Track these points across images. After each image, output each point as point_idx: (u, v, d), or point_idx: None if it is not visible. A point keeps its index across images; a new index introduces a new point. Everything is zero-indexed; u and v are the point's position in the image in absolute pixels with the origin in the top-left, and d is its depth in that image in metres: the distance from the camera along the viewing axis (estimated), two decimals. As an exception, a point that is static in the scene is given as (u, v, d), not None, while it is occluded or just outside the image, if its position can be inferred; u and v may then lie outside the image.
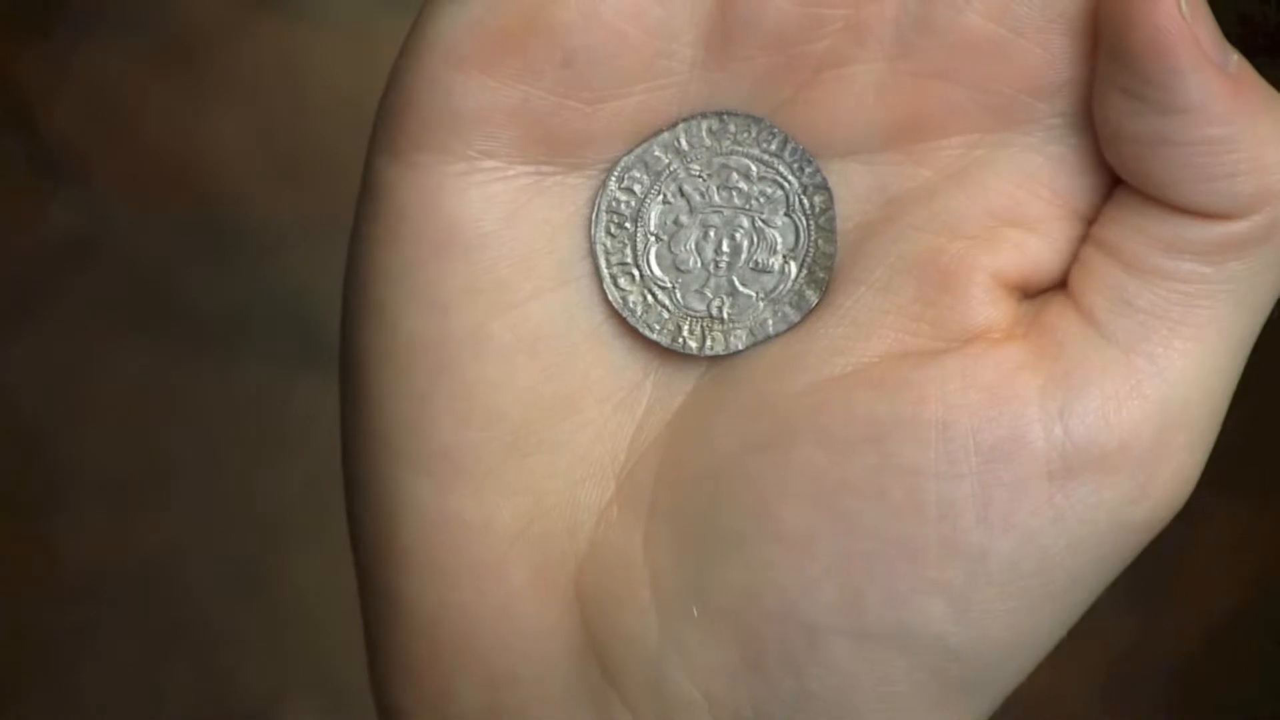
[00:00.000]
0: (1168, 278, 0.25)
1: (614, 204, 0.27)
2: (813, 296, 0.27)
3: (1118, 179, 0.26)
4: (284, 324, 0.73)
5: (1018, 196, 0.26)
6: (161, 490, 0.72)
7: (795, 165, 0.27)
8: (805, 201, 0.27)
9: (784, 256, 0.27)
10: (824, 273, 0.27)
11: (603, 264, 0.27)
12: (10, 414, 0.73)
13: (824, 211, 0.27)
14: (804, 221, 0.27)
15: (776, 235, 0.27)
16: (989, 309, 0.26)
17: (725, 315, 0.27)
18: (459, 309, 0.26)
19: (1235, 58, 0.25)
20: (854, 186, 0.27)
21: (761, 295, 0.27)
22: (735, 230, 0.27)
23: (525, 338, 0.27)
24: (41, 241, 0.74)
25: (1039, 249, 0.26)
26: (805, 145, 0.27)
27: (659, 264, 0.27)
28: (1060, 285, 0.26)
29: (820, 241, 0.27)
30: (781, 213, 0.27)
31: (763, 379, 0.27)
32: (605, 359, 0.27)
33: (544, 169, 0.26)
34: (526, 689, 0.27)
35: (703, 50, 0.26)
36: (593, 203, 0.27)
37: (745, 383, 0.27)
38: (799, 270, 0.27)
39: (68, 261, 0.74)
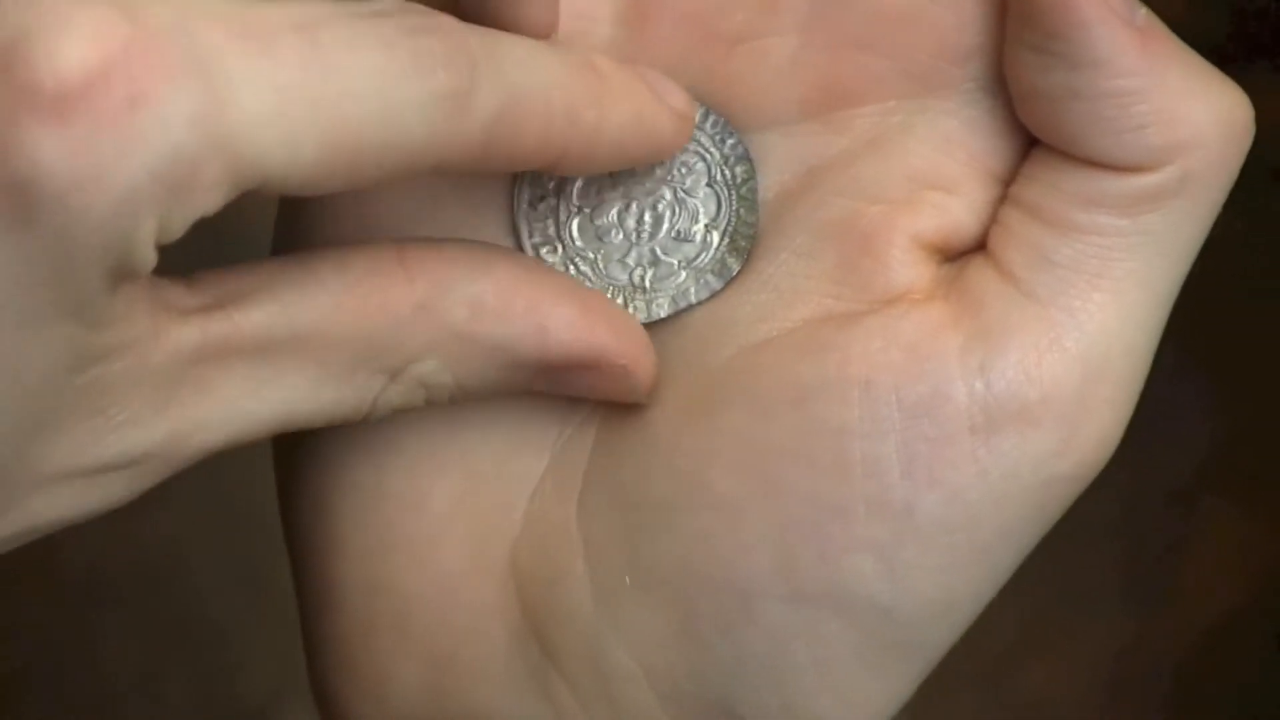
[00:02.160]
0: (1084, 231, 0.25)
1: (535, 178, 0.27)
2: (735, 264, 0.27)
3: (1034, 142, 0.26)
4: (284, 324, 0.73)
5: (935, 160, 0.26)
6: (161, 490, 0.72)
7: (716, 137, 0.27)
8: (727, 172, 0.27)
9: (706, 226, 0.27)
10: (746, 241, 0.27)
11: (525, 238, 0.27)
12: (10, 414, 0.73)
13: (745, 182, 0.27)
14: (725, 192, 0.27)
15: (698, 205, 0.27)
16: (909, 270, 0.26)
17: (647, 284, 0.27)
18: None
19: (1143, 11, 0.25)
20: (774, 157, 0.27)
21: (684, 264, 0.27)
22: (657, 201, 0.27)
23: None
24: (41, 241, 0.74)
25: (957, 211, 0.26)
26: (725, 118, 0.27)
27: (581, 235, 0.27)
28: (980, 248, 0.26)
29: (742, 211, 0.27)
30: (703, 184, 0.27)
31: (691, 349, 0.27)
32: None
33: None
34: (465, 668, 0.27)
35: (620, 28, 0.27)
36: (514, 178, 0.27)
37: (675, 354, 0.27)
38: (721, 239, 0.27)
39: (68, 261, 0.74)
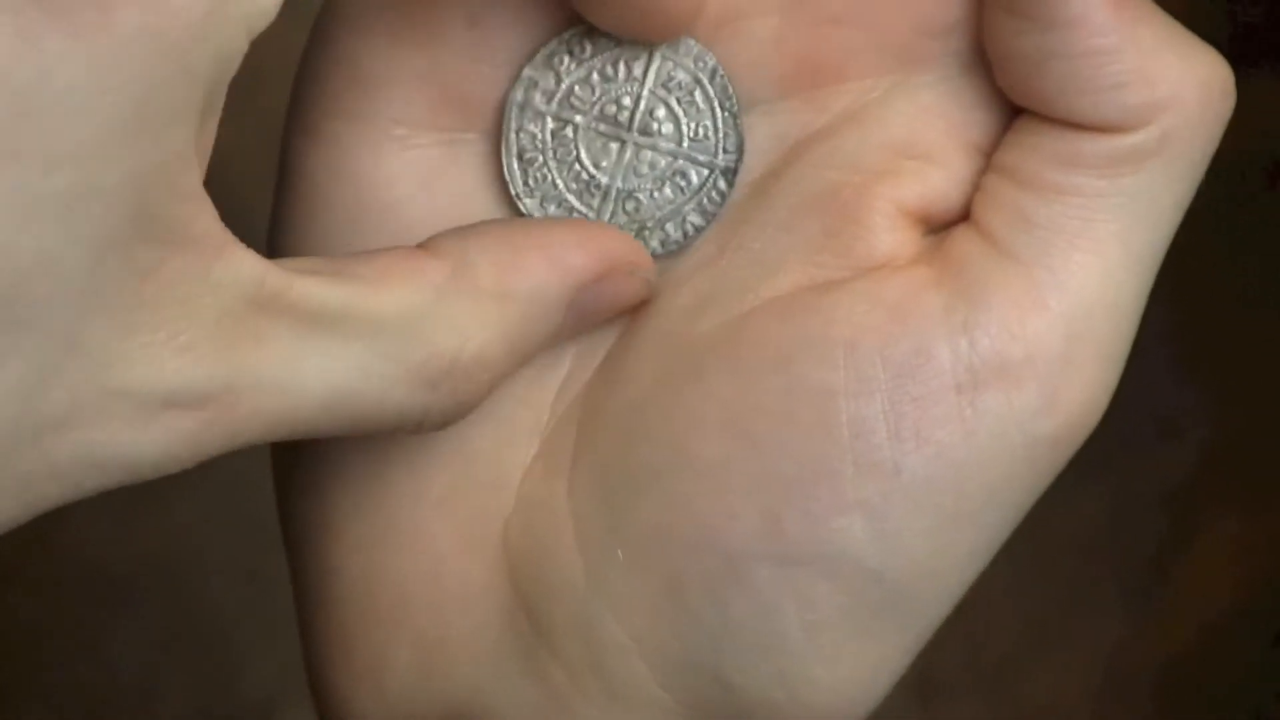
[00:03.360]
0: (1064, 192, 0.26)
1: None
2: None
3: (1015, 115, 0.26)
4: (284, 324, 0.73)
5: (914, 130, 0.27)
6: (162, 490, 0.72)
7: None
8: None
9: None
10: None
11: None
12: (11, 414, 0.73)
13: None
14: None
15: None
16: (891, 236, 0.26)
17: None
18: None
19: None
20: (756, 136, 0.27)
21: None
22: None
23: None
24: (42, 242, 0.74)
25: (938, 179, 0.27)
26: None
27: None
28: (963, 220, 0.27)
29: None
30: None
31: (675, 324, 0.27)
32: None
33: (458, 135, 0.27)
34: (456, 648, 0.27)
35: None
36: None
37: (657, 331, 0.27)
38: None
39: (68, 262, 0.74)
